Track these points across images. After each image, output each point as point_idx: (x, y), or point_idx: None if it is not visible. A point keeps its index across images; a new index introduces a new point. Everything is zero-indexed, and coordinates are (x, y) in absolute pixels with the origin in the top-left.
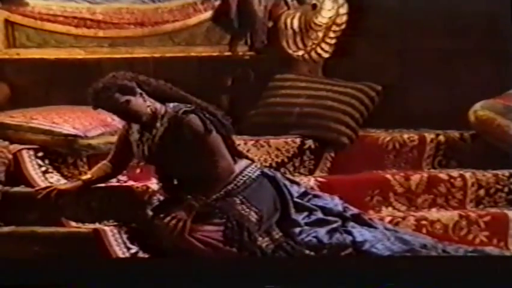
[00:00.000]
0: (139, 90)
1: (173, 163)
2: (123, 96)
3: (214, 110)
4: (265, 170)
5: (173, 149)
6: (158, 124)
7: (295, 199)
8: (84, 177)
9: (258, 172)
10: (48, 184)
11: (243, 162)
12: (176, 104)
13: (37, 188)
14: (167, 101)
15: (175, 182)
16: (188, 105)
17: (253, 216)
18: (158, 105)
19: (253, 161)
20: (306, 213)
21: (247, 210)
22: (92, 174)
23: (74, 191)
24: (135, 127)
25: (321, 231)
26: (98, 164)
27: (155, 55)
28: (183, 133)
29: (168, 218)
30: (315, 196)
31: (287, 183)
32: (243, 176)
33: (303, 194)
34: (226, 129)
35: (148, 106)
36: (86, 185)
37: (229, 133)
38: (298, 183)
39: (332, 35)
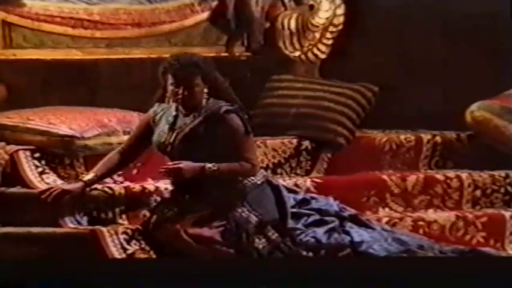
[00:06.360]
0: (207, 84)
1: (197, 157)
2: (201, 81)
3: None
4: (270, 178)
5: (202, 143)
6: (195, 115)
7: (292, 210)
8: (86, 178)
9: (262, 179)
10: (45, 185)
11: None
12: (214, 100)
13: (40, 190)
14: (214, 97)
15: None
16: (229, 104)
17: (253, 219)
18: (204, 99)
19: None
20: (304, 218)
21: (247, 213)
22: (96, 172)
23: (78, 192)
24: (169, 112)
25: (320, 231)
26: (103, 159)
27: (152, 56)
28: (220, 130)
29: (165, 222)
30: (312, 199)
31: (286, 193)
32: (248, 181)
33: (302, 202)
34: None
35: (203, 98)
36: (89, 184)
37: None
38: (296, 192)
39: (328, 35)
